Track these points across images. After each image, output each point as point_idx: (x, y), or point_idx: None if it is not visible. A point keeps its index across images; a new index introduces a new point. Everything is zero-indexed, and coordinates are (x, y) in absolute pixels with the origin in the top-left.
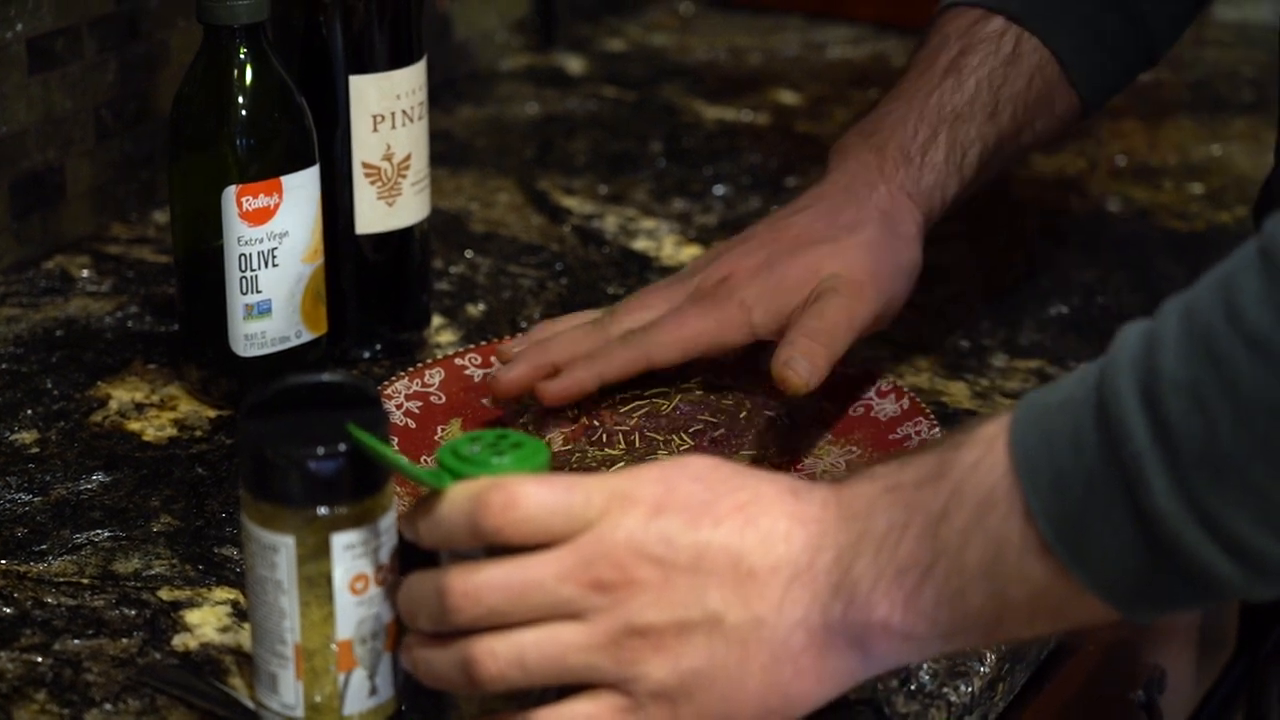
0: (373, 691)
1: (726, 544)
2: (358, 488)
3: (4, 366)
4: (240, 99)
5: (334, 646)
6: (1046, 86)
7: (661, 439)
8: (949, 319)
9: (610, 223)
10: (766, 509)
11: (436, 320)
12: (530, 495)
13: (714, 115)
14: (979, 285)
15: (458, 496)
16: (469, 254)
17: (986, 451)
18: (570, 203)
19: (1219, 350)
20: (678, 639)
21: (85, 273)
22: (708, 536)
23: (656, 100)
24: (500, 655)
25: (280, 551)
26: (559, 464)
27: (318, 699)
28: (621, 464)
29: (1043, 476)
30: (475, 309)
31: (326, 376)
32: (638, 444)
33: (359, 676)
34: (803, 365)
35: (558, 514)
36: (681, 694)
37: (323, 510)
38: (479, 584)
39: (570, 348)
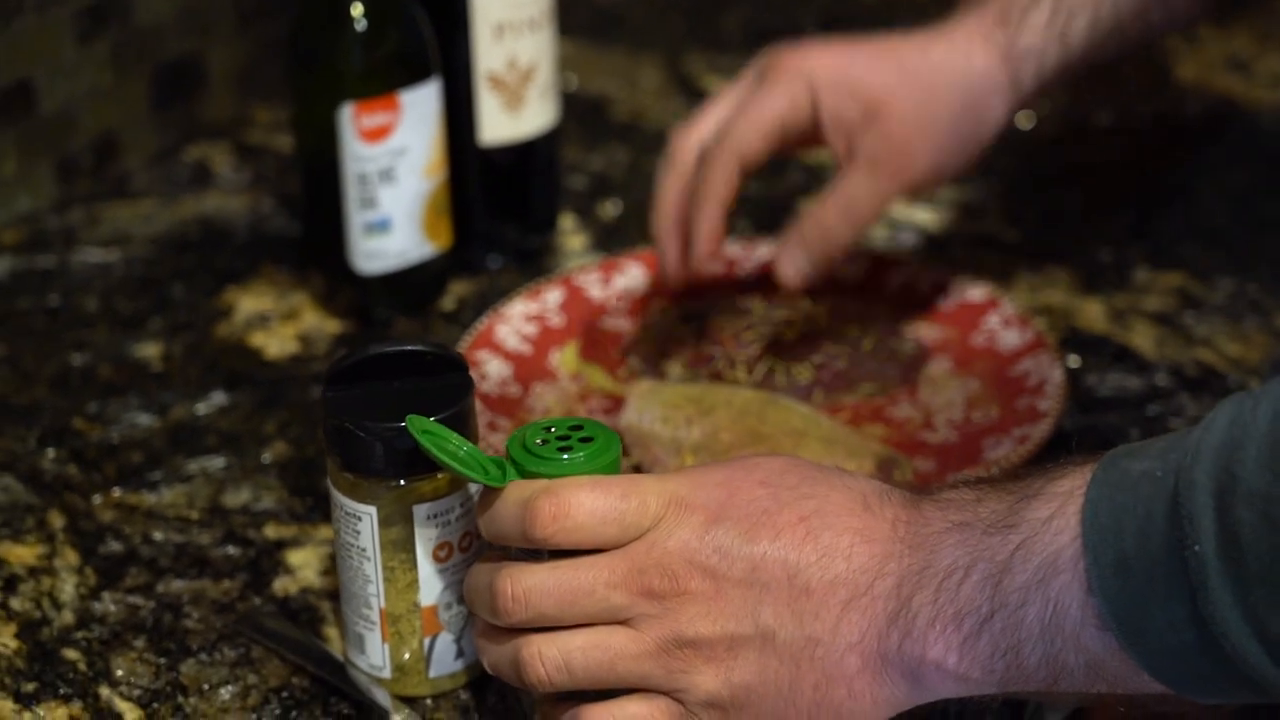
0: (459, 654)
1: (784, 558)
2: None
3: (138, 272)
4: (356, 13)
5: (418, 611)
6: None
7: (784, 368)
8: (1089, 226)
9: None
10: (831, 522)
11: (568, 223)
12: (582, 504)
13: None
14: (1124, 188)
15: (511, 500)
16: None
17: (1060, 509)
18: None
19: None
20: (729, 652)
21: (224, 163)
22: (764, 549)
23: None
24: (548, 659)
25: (364, 520)
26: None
27: (404, 659)
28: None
29: (1108, 554)
30: (609, 209)
31: (409, 346)
32: (758, 373)
33: (445, 640)
34: (790, 270)
35: (610, 522)
36: (733, 706)
37: (405, 481)
38: (528, 589)
39: (677, 207)
